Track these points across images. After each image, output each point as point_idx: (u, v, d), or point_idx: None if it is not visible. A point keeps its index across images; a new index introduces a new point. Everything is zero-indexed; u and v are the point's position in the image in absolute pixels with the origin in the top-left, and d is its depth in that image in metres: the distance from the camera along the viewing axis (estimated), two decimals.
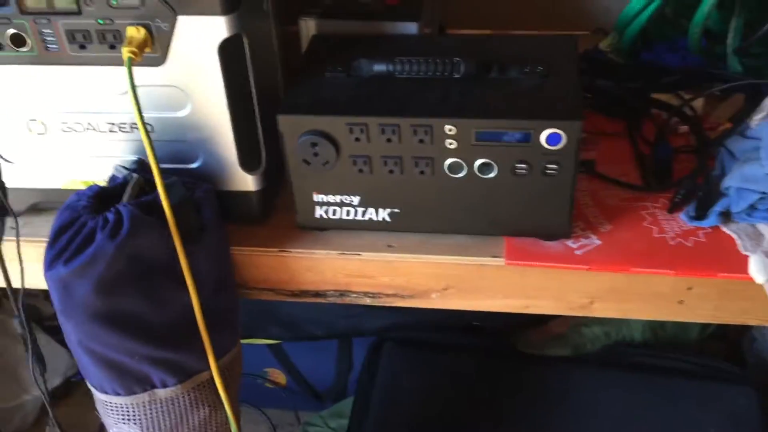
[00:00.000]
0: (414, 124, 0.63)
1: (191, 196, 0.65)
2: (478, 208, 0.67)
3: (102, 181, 0.67)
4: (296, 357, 1.21)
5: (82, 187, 0.71)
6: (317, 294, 0.74)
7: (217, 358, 0.68)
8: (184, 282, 0.63)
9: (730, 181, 0.68)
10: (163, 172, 0.67)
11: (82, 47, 0.62)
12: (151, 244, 0.61)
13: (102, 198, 0.63)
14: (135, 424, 0.66)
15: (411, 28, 0.76)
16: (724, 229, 0.68)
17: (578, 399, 1.05)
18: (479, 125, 0.62)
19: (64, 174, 0.71)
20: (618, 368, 1.08)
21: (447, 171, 0.65)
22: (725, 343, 1.19)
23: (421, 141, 0.63)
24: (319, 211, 0.70)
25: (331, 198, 0.69)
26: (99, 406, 0.67)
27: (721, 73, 0.85)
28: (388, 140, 0.64)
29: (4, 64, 0.64)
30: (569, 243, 0.69)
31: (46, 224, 0.65)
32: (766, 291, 0.64)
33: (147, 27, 0.61)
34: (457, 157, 0.64)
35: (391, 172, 0.66)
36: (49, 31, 0.62)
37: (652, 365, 1.08)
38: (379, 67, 0.67)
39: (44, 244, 0.61)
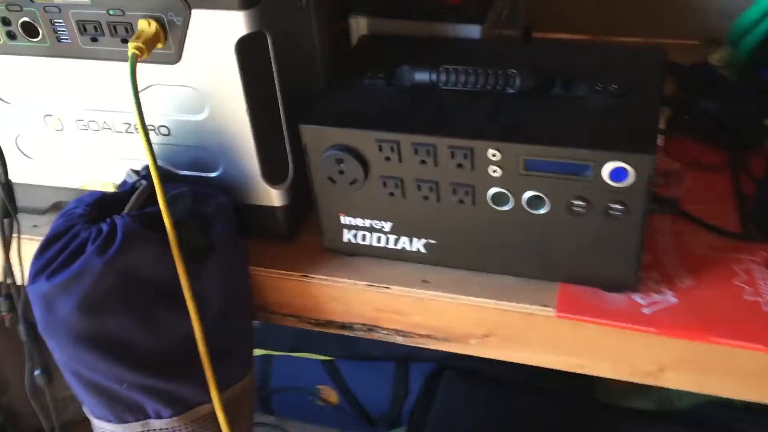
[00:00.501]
0: (452, 145, 0.53)
1: (201, 210, 0.58)
2: (526, 247, 0.57)
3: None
4: (350, 376, 1.13)
5: (102, 188, 0.67)
6: (343, 326, 0.66)
7: (221, 390, 0.61)
8: (186, 305, 0.56)
9: None
10: (178, 182, 0.61)
11: (94, 40, 0.57)
12: (147, 262, 0.55)
13: (104, 206, 0.58)
14: None
15: (473, 31, 0.66)
16: None
17: None
18: (529, 152, 0.52)
19: (84, 174, 0.66)
20: None
21: (490, 202, 0.55)
22: None
23: (459, 165, 0.54)
24: (347, 235, 0.62)
25: (359, 222, 0.60)
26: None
27: None
28: (422, 162, 0.54)
29: (18, 54, 0.60)
30: (636, 297, 0.57)
31: None
32: None
33: (159, 20, 0.54)
34: (502, 187, 0.54)
35: (425, 198, 0.56)
36: (60, 21, 0.57)
37: None
38: (421, 76, 0.57)
39: None
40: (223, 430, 0.61)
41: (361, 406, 1.14)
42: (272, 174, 0.62)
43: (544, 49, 0.66)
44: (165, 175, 0.63)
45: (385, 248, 0.61)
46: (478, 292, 0.60)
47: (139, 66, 0.54)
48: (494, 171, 0.53)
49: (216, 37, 0.55)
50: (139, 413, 0.59)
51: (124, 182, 0.61)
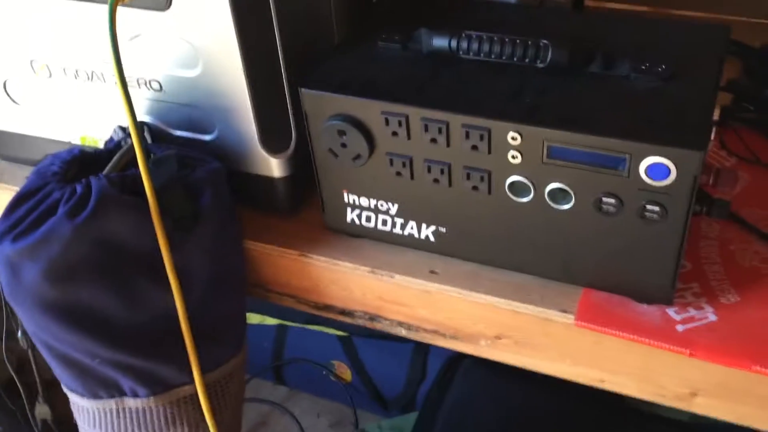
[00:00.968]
0: (466, 123, 0.46)
1: (188, 175, 0.53)
2: (546, 244, 0.50)
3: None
4: (366, 355, 1.08)
5: (97, 145, 0.62)
6: (344, 312, 0.61)
7: (208, 370, 0.56)
8: (168, 278, 0.51)
9: None
10: (169, 143, 0.56)
11: None
12: (126, 230, 0.50)
13: (84, 164, 0.53)
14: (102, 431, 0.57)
15: None
16: None
17: None
18: (554, 137, 0.44)
19: (77, 128, 0.62)
20: None
21: (508, 192, 0.48)
22: None
23: (474, 148, 0.47)
24: (350, 215, 0.56)
25: (364, 201, 0.54)
26: (71, 406, 0.58)
27: None
28: (433, 140, 0.48)
29: None
30: (671, 312, 0.50)
31: None
32: None
33: None
34: (522, 176, 0.47)
35: (436, 181, 0.50)
36: None
37: None
38: (440, 42, 0.50)
39: None
40: (205, 412, 0.57)
41: (374, 385, 1.09)
42: (272, 141, 0.56)
43: (591, 19, 0.57)
44: (157, 135, 0.57)
45: (390, 233, 0.55)
46: (490, 289, 0.53)
47: (126, 11, 0.49)
48: (514, 157, 0.46)
49: None
50: (113, 390, 0.55)
51: (110, 139, 0.56)
